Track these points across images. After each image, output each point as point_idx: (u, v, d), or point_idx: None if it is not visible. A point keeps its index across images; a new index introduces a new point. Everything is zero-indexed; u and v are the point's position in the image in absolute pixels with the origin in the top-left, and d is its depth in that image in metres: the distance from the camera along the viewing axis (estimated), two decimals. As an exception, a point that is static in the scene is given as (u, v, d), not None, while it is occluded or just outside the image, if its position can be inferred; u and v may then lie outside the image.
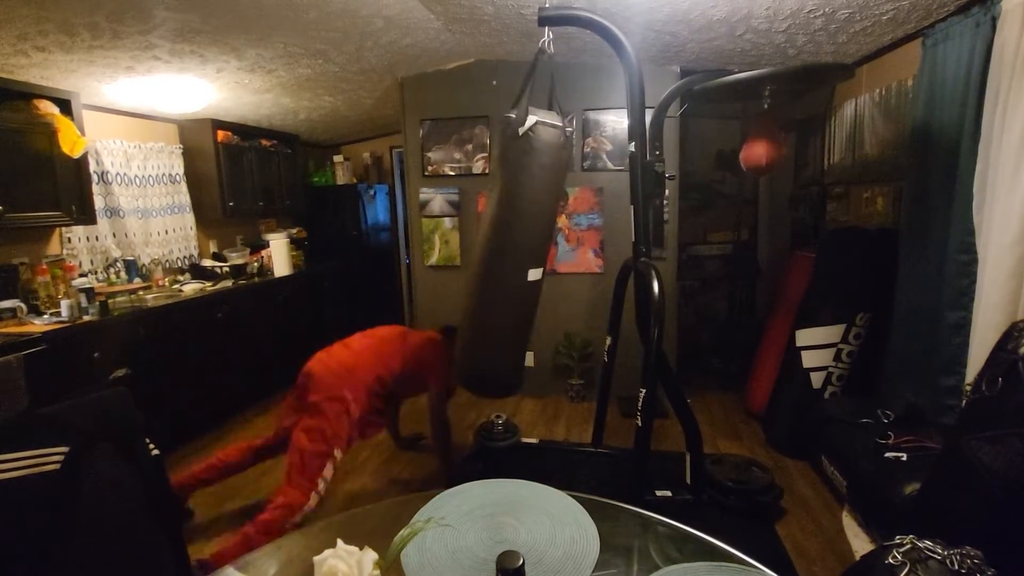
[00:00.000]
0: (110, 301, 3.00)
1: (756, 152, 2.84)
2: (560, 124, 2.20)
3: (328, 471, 2.27)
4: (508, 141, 2.13)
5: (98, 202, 3.30)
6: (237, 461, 2.56)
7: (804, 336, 2.96)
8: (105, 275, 3.45)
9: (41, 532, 0.95)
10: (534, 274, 2.28)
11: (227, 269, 4.06)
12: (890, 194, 2.96)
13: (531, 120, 2.08)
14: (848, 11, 2.45)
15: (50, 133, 2.81)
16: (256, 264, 4.30)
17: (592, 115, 3.69)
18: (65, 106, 2.92)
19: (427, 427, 2.92)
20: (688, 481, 2.46)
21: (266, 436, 2.61)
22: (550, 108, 2.31)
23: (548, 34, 2.23)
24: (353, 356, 2.50)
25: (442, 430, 2.80)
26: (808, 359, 2.92)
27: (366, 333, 2.69)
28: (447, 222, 4.05)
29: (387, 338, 2.68)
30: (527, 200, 2.18)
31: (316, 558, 0.78)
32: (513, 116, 2.11)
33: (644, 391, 2.18)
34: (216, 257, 4.30)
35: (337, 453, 2.31)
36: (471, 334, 2.36)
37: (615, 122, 3.66)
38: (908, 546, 1.18)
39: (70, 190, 2.95)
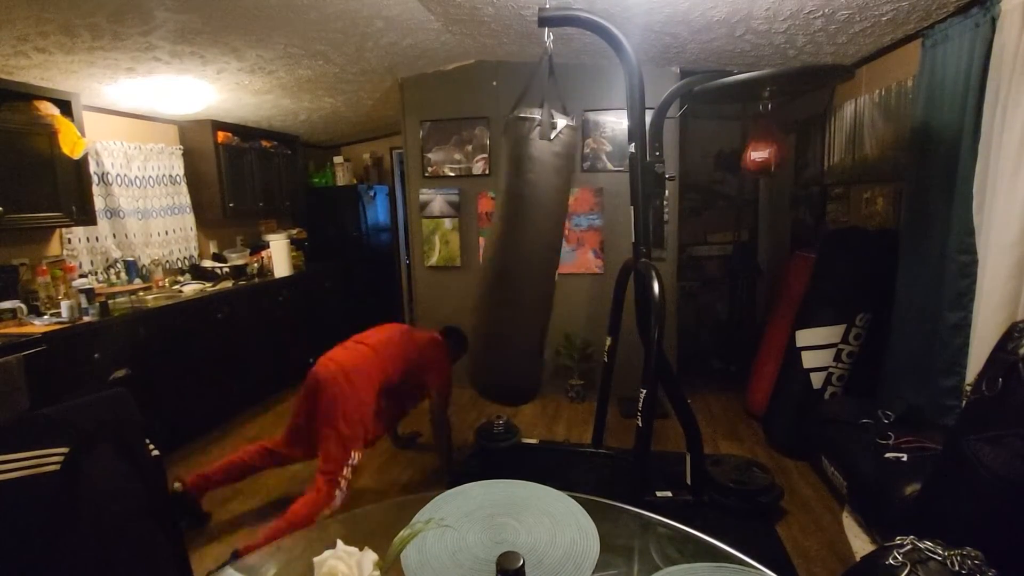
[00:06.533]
0: (110, 302, 3.00)
1: (757, 154, 2.84)
2: (574, 124, 2.25)
3: (348, 472, 2.32)
4: (534, 143, 2.14)
5: (98, 203, 3.30)
6: (253, 463, 2.55)
7: (804, 336, 2.96)
8: (105, 276, 3.45)
9: (41, 533, 0.95)
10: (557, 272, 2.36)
11: (227, 270, 4.06)
12: (890, 194, 2.96)
13: (561, 123, 2.11)
14: (848, 12, 2.45)
15: (50, 134, 2.81)
16: (256, 265, 4.30)
17: (592, 116, 3.70)
18: (65, 107, 2.92)
19: (426, 426, 2.92)
20: (688, 482, 2.46)
21: (275, 439, 2.59)
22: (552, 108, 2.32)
23: (549, 35, 2.24)
24: (358, 357, 2.49)
25: (443, 431, 2.81)
26: (808, 359, 2.92)
27: (368, 333, 2.68)
28: (447, 223, 4.05)
29: (391, 338, 2.68)
30: (554, 201, 2.23)
31: (316, 559, 0.78)
32: (538, 118, 2.12)
33: (644, 391, 2.17)
34: (216, 258, 4.30)
35: (355, 455, 2.34)
36: (500, 343, 2.37)
37: (615, 123, 3.66)
38: (909, 547, 1.18)
39: (70, 191, 2.95)
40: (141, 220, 3.68)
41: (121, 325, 2.90)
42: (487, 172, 3.93)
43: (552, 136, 2.10)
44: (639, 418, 2.20)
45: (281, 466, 2.61)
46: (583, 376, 3.85)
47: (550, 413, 3.70)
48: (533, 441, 3.17)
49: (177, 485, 2.43)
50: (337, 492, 2.28)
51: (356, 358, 2.47)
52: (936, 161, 2.38)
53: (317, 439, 2.39)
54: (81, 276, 3.20)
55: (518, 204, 2.24)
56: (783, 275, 3.73)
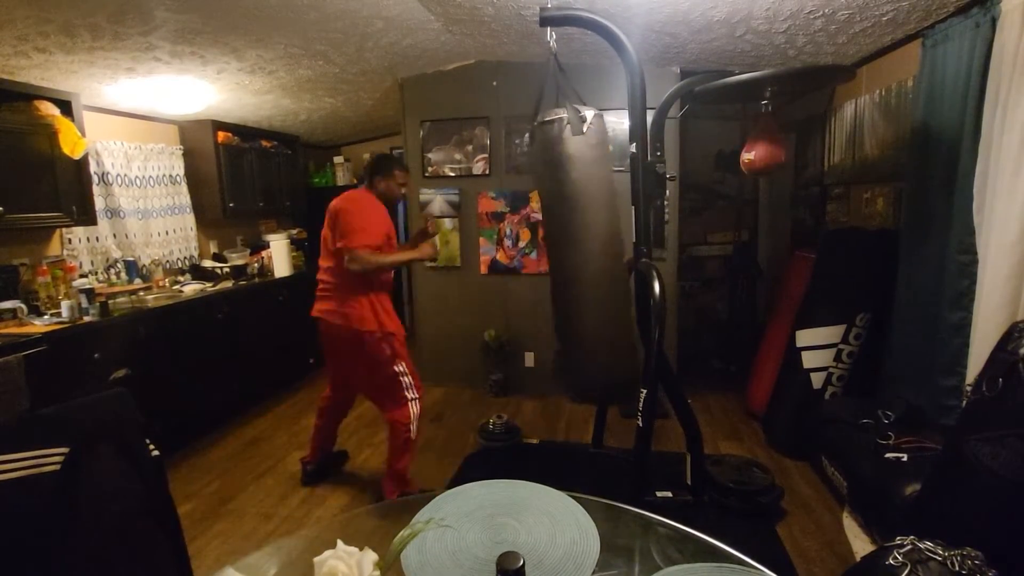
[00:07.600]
0: (110, 302, 2.99)
1: (755, 154, 2.84)
2: (600, 112, 2.28)
3: (408, 380, 2.50)
4: (568, 141, 2.15)
5: (98, 203, 3.30)
6: (328, 422, 2.82)
7: (804, 336, 2.96)
8: (105, 276, 3.45)
9: (41, 533, 0.95)
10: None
11: (227, 270, 4.06)
12: (890, 194, 2.96)
13: (590, 113, 2.13)
14: (848, 12, 2.45)
15: (51, 134, 2.81)
16: (256, 265, 4.30)
17: (592, 116, 3.69)
18: (66, 107, 2.92)
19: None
20: (689, 482, 2.46)
21: (323, 394, 2.80)
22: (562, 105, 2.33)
23: (551, 35, 2.24)
24: (329, 290, 2.49)
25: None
26: (808, 359, 2.92)
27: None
28: (447, 223, 4.05)
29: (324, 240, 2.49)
30: (605, 192, 2.25)
31: (316, 559, 0.78)
32: (565, 116, 2.13)
33: (645, 391, 2.17)
34: (216, 258, 4.30)
35: (400, 367, 2.48)
36: (592, 344, 2.38)
37: (615, 123, 3.65)
38: (909, 547, 1.18)
39: (70, 191, 2.95)
40: (141, 220, 3.68)
41: (121, 325, 2.90)
42: (487, 172, 3.93)
43: (585, 129, 2.11)
44: (639, 418, 2.20)
45: (346, 415, 2.89)
46: (583, 376, 3.84)
47: (550, 413, 3.70)
48: (533, 441, 3.18)
49: (305, 459, 2.87)
50: (410, 407, 2.48)
51: (330, 293, 2.47)
52: (936, 161, 2.38)
53: (361, 389, 2.69)
54: (81, 276, 3.21)
55: (570, 206, 2.25)
56: (783, 275, 3.73)
